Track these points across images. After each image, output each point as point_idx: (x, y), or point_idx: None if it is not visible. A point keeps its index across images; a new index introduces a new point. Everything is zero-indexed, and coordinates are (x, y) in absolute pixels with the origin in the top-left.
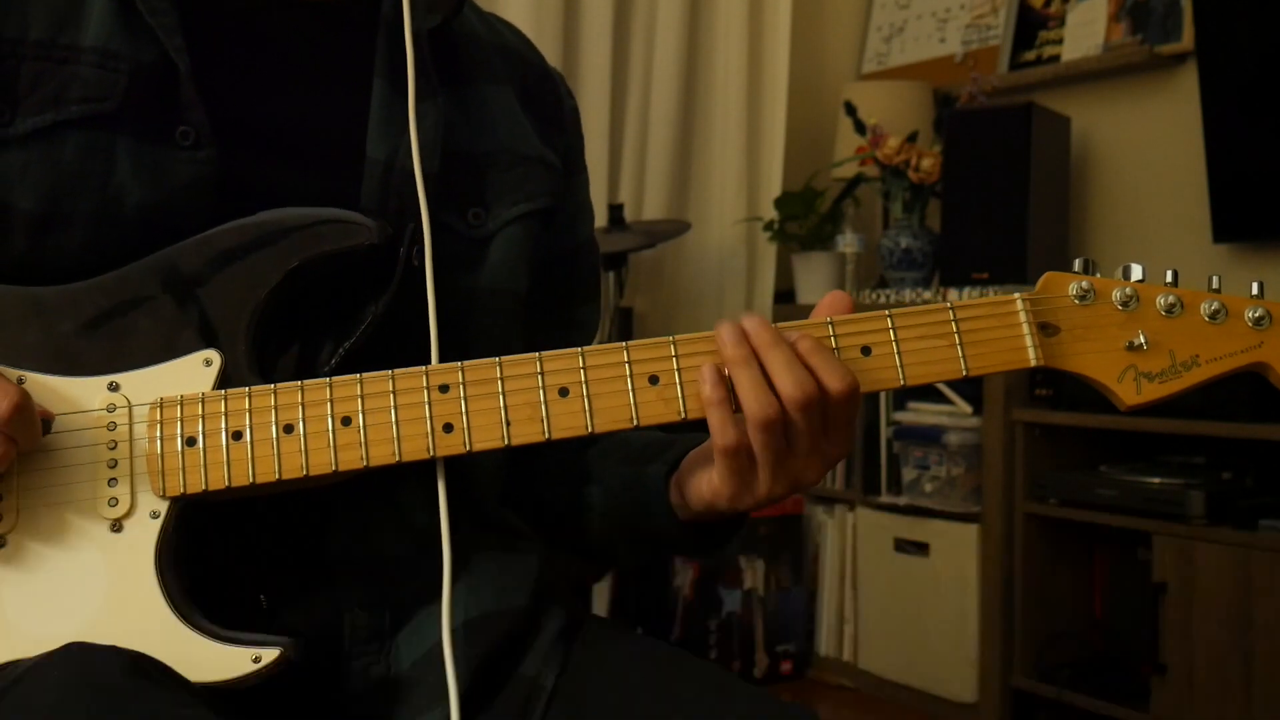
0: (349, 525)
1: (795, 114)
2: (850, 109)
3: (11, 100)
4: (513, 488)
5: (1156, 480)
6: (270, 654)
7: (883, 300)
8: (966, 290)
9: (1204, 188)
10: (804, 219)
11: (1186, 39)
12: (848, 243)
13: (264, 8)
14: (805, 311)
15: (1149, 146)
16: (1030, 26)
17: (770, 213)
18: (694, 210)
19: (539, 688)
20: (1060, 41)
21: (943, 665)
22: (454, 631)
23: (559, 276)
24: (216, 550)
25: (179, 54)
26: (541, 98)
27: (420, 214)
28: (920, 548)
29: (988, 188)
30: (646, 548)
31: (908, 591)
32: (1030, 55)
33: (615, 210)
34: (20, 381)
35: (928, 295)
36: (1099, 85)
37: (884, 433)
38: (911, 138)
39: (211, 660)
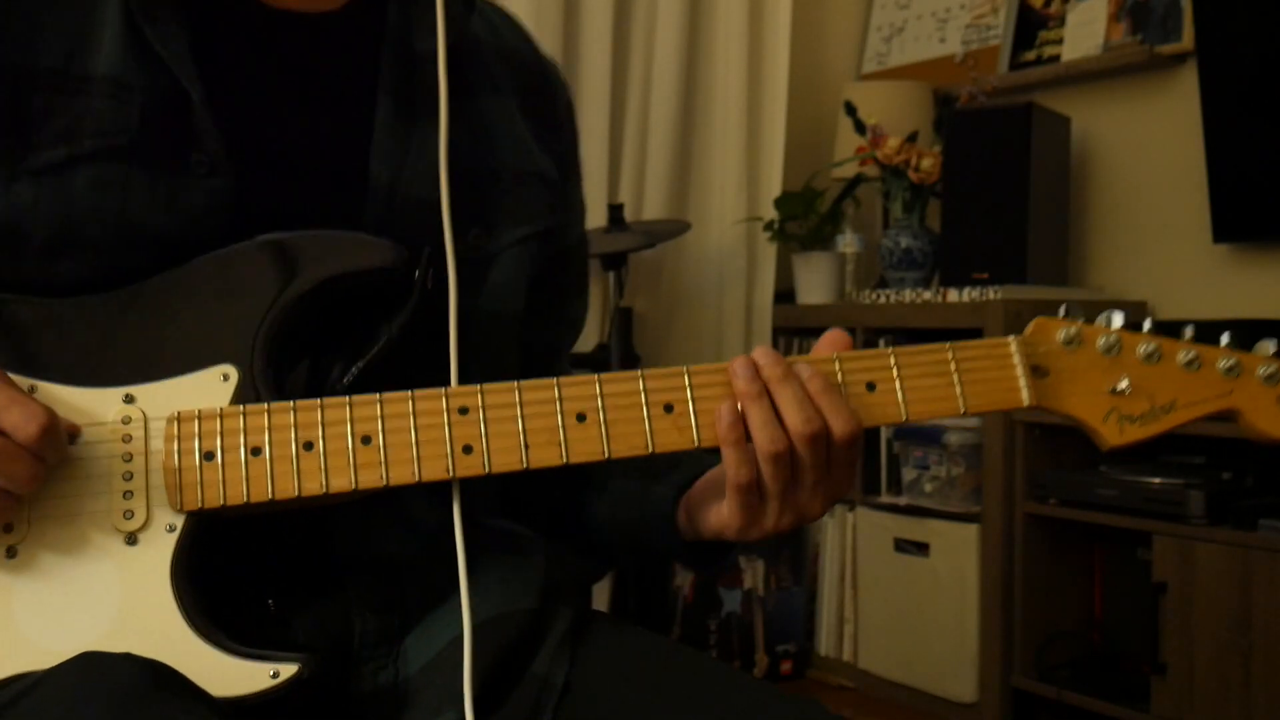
0: (355, 528)
1: (795, 114)
2: (850, 109)
3: (24, 133)
4: (515, 488)
5: (1156, 480)
6: (289, 669)
7: (883, 300)
8: (966, 290)
9: (1204, 188)
10: (804, 219)
11: (1186, 39)
12: (848, 243)
13: (270, 27)
14: (805, 311)
15: (1149, 146)
16: (1030, 26)
17: (770, 213)
18: (694, 210)
19: (550, 685)
20: (1060, 41)
21: (943, 665)
22: (462, 635)
23: (552, 278)
24: (224, 555)
25: (191, 82)
26: (539, 100)
27: (428, 236)
28: (920, 548)
29: (988, 188)
30: (648, 559)
31: (908, 591)
32: (1030, 55)
33: (615, 210)
34: (31, 390)
35: (927, 295)
36: (1099, 85)
37: (884, 433)
38: (911, 138)
39: (228, 675)
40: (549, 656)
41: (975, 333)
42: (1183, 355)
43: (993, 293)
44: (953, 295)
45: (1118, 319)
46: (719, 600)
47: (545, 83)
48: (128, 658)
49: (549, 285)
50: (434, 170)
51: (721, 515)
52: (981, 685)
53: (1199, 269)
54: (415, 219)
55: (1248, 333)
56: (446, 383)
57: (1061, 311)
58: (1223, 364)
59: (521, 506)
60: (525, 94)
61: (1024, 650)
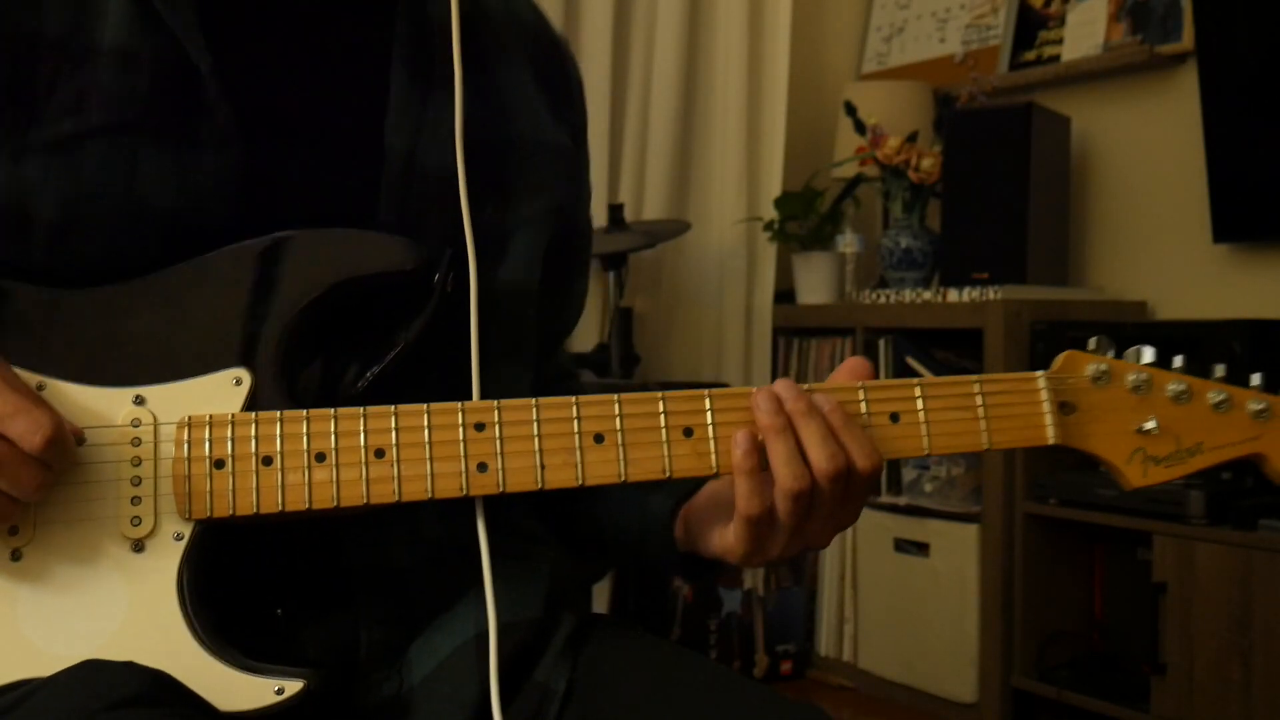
0: (364, 539)
1: (795, 114)
2: (850, 109)
3: (29, 105)
4: None
5: None
6: (294, 686)
7: (883, 300)
8: (966, 290)
9: (1204, 188)
10: (804, 219)
11: (1186, 39)
12: (848, 243)
13: None
14: (805, 311)
15: (1149, 146)
16: (1030, 26)
17: (770, 213)
18: (694, 210)
19: (551, 692)
20: (1060, 41)
21: (943, 665)
22: (466, 644)
23: (560, 256)
24: (233, 563)
25: (200, 53)
26: (552, 71)
27: (446, 208)
28: (920, 548)
29: (988, 188)
30: (645, 566)
31: (908, 591)
32: (1030, 55)
33: (615, 210)
34: (40, 388)
35: (927, 295)
36: (1099, 85)
37: None
38: (911, 138)
39: (232, 690)
40: (551, 663)
41: (975, 333)
42: (1213, 396)
43: (993, 293)
44: (953, 295)
45: (1148, 354)
46: (719, 600)
47: (558, 54)
48: (129, 666)
49: (560, 261)
50: (451, 140)
51: (726, 541)
52: (981, 685)
53: (1199, 269)
54: (433, 190)
55: (1248, 333)
56: (466, 379)
57: (1091, 345)
58: (1253, 406)
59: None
60: (538, 64)
61: (1024, 650)
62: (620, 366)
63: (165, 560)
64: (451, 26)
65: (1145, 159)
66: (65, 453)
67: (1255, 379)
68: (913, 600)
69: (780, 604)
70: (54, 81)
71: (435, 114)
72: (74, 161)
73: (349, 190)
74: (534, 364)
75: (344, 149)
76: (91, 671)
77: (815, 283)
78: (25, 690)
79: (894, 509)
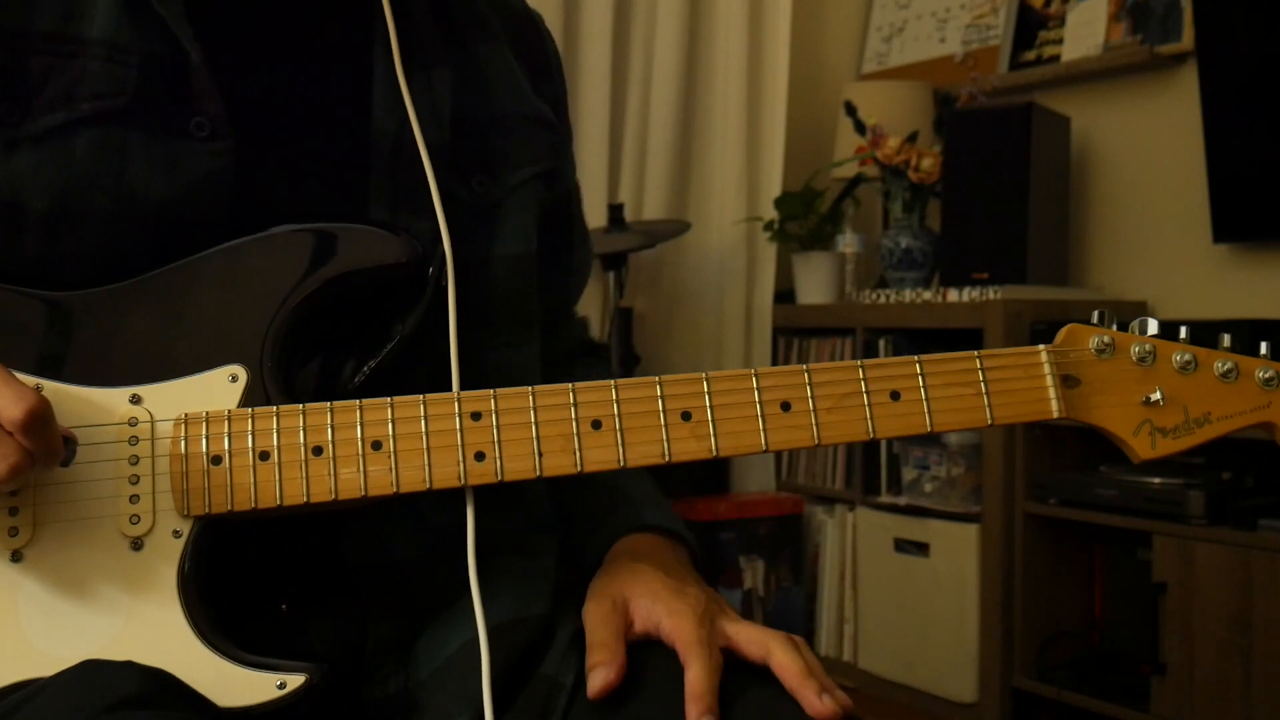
0: (366, 529)
1: (795, 114)
2: (850, 109)
3: (21, 98)
4: None
5: (1156, 480)
6: (295, 680)
7: (883, 300)
8: (966, 290)
9: (1204, 188)
10: (804, 219)
11: (1186, 39)
12: (848, 243)
13: None
14: (805, 311)
15: (1149, 146)
16: (1030, 26)
17: (770, 213)
18: (694, 210)
19: (559, 686)
20: (1060, 41)
21: (943, 665)
22: (473, 639)
23: (556, 227)
24: (236, 560)
25: (190, 43)
26: (530, 45)
27: (429, 185)
28: (920, 548)
29: (988, 188)
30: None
31: (908, 591)
32: (1030, 55)
33: (615, 210)
34: (37, 389)
35: (927, 295)
36: (1099, 85)
37: None
38: (911, 138)
39: (235, 685)
40: (558, 657)
41: (975, 333)
42: (1219, 365)
43: (993, 293)
44: (953, 295)
45: (1152, 326)
46: None
47: (534, 29)
48: (128, 666)
49: (554, 232)
50: (437, 119)
51: (588, 612)
52: (981, 685)
53: (1199, 269)
54: (422, 169)
55: (1248, 333)
56: (465, 368)
57: (1094, 318)
58: (1261, 375)
59: None
60: (516, 39)
61: (1024, 650)
62: (620, 366)
63: (164, 558)
64: (432, 6)
65: (1145, 159)
66: (47, 438)
67: (1263, 347)
68: (913, 600)
69: (780, 604)
70: (45, 75)
71: (420, 94)
72: (64, 152)
73: (339, 174)
74: (541, 333)
75: (333, 134)
76: (91, 672)
77: (815, 283)
78: (27, 692)
79: (894, 509)
